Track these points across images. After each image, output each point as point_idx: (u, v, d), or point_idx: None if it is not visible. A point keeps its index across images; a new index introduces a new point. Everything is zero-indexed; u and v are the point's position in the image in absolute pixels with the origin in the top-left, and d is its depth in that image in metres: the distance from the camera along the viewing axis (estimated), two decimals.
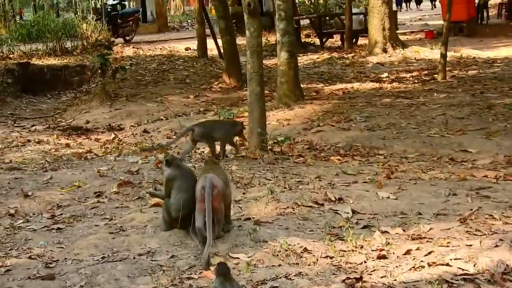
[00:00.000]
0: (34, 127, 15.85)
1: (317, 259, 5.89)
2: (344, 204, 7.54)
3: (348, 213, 7.18)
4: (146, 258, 6.09)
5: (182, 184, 6.67)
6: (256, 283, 5.43)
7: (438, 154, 11.14)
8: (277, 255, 6.01)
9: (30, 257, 6.27)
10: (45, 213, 7.72)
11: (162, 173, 7.04)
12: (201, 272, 5.73)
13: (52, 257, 6.25)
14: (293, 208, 7.34)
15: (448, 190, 8.08)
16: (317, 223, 6.93)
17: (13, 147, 12.06)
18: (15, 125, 16.58)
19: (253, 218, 7.07)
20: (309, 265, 5.81)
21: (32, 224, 7.38)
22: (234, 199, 7.75)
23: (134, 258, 6.09)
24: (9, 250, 6.55)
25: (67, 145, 11.91)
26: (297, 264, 5.85)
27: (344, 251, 6.09)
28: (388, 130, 12.80)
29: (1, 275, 5.86)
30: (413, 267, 5.60)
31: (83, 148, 11.71)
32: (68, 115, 17.82)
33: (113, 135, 13.80)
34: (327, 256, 5.97)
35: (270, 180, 8.75)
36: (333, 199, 7.67)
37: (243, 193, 8.08)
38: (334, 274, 5.59)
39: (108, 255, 6.17)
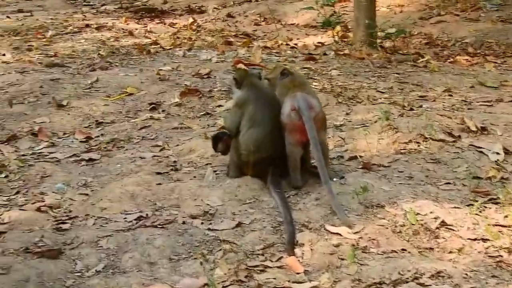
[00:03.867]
0: (104, 7, 13.78)
1: (463, 244, 3.74)
2: (489, 136, 5.28)
3: (498, 153, 4.95)
4: (201, 224, 4.06)
5: (257, 112, 4.48)
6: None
7: None
8: (400, 231, 3.88)
9: (38, 209, 4.36)
10: (78, 134, 5.80)
11: (230, 96, 4.90)
12: (281, 258, 3.67)
13: (70, 211, 4.35)
14: (418, 142, 5.11)
15: None
16: (455, 169, 4.74)
17: (66, 33, 9.96)
18: (84, 3, 14.51)
19: (360, 157, 4.92)
20: (450, 252, 3.68)
21: (58, 150, 5.50)
22: (333, 122, 5.62)
23: (183, 223, 4.07)
24: (14, 194, 4.65)
25: (130, 33, 9.76)
26: (431, 249, 3.71)
27: (503, 227, 3.91)
28: None
29: None
30: None
31: (149, 38, 9.57)
32: None
33: (191, 19, 11.60)
34: (477, 238, 3.80)
35: (383, 93, 6.50)
36: (474, 128, 5.39)
37: (346, 114, 5.87)
38: (492, 276, 3.44)
39: (146, 215, 4.17)
